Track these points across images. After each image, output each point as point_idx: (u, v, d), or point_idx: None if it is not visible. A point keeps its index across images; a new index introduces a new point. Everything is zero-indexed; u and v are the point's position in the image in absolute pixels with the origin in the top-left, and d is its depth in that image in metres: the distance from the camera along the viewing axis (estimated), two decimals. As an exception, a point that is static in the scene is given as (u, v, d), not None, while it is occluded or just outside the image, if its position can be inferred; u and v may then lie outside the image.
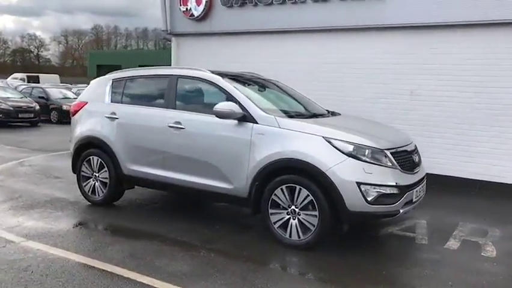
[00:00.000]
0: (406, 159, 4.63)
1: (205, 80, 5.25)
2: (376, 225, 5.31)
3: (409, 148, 4.81)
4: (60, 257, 4.14)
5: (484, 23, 7.05)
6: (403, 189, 4.37)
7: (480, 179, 7.24)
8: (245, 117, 4.75)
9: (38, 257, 4.13)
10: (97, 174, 5.88)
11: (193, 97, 5.63)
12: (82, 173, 6.01)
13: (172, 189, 5.66)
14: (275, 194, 4.55)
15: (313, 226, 4.37)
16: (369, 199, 4.21)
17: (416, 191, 4.59)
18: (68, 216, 5.53)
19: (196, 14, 9.69)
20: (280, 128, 4.62)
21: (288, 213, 4.51)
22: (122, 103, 5.82)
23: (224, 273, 3.88)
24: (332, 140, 4.38)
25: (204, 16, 9.67)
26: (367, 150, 4.32)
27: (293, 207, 4.47)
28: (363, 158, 4.29)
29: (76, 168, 6.10)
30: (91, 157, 5.92)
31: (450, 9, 7.25)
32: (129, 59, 40.73)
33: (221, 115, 4.78)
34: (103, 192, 5.85)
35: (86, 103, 6.16)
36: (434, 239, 4.95)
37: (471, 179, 7.19)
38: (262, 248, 4.53)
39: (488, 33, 7.08)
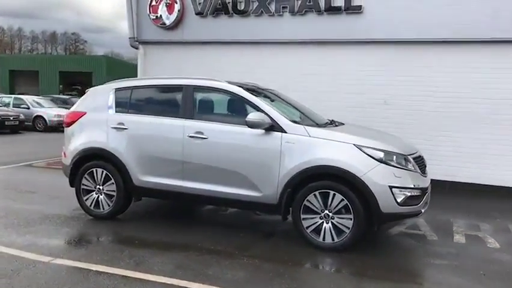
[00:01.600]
0: (421, 163, 5.09)
1: (225, 90, 5.31)
2: (383, 227, 5.73)
3: (419, 154, 5.29)
4: (109, 273, 3.99)
5: (452, 40, 7.89)
6: (424, 190, 4.84)
7: (449, 180, 8.04)
8: (272, 127, 4.92)
9: (86, 275, 3.94)
10: (101, 187, 5.66)
11: (212, 107, 5.67)
12: (83, 187, 5.75)
13: (189, 199, 5.58)
14: (308, 200, 4.77)
15: (348, 229, 4.65)
16: (399, 201, 4.60)
17: (429, 192, 5.09)
18: (78, 231, 5.28)
19: (167, 22, 9.59)
20: (310, 136, 4.85)
21: (321, 218, 4.75)
22: (129, 113, 5.66)
23: (282, 278, 4.00)
24: (362, 148, 4.70)
25: (176, 25, 9.61)
26: (395, 156, 4.71)
27: (326, 211, 4.73)
28: (392, 164, 4.67)
29: (74, 181, 5.82)
30: (94, 169, 5.68)
31: (421, 27, 8.01)
32: (47, 64, 38.30)
33: (252, 125, 4.89)
34: (108, 205, 5.65)
35: (84, 113, 5.90)
36: (441, 235, 5.46)
37: (441, 180, 7.93)
38: (298, 252, 4.69)
39: (456, 49, 7.93)
